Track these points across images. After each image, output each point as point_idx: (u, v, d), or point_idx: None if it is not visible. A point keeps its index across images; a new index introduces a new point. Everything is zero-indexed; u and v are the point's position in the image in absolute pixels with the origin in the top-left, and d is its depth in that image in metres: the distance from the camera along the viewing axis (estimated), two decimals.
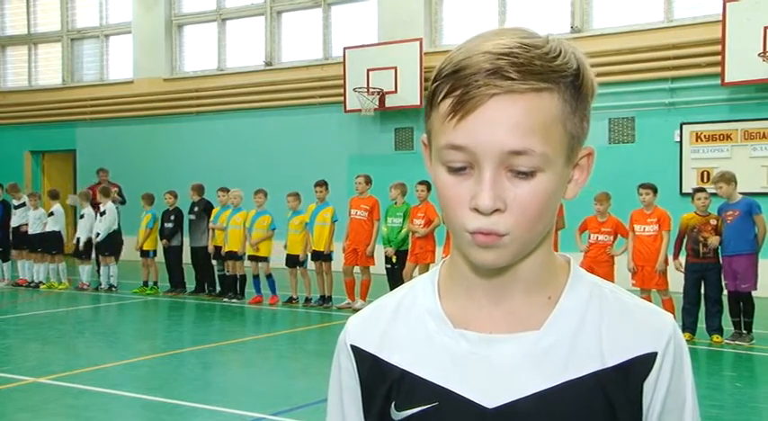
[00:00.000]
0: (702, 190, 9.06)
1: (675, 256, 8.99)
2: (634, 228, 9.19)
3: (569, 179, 1.06)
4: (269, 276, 11.76)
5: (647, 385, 1.06)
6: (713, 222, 8.76)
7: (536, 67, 0.96)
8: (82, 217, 13.52)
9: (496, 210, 0.98)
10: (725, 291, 8.82)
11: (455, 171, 1.00)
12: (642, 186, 9.17)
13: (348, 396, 1.15)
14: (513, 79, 0.95)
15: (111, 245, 13.28)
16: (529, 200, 0.98)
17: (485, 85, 0.95)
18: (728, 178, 8.79)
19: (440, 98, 1.00)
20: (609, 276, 8.70)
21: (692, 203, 9.04)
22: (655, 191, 9.11)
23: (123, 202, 14.82)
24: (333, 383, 1.18)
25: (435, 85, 1.01)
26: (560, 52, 0.99)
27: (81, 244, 13.25)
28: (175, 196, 13.06)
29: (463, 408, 1.05)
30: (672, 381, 1.07)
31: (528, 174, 0.98)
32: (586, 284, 1.11)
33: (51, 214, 13.67)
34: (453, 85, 0.98)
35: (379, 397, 1.10)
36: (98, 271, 13.49)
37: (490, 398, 1.04)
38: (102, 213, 13.27)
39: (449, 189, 1.01)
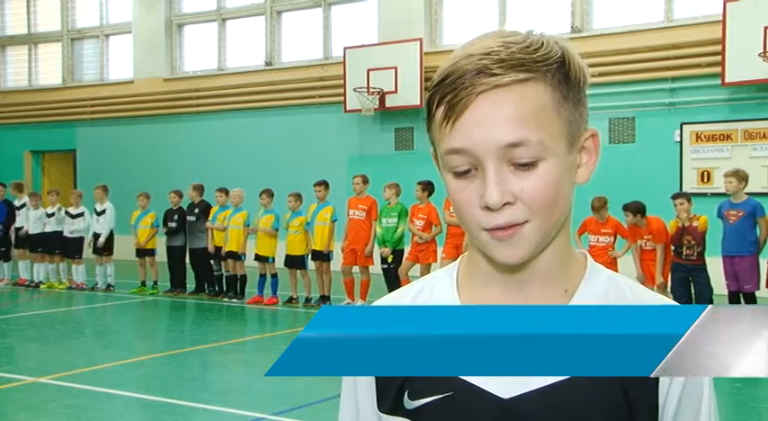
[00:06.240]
0: (679, 196, 9.09)
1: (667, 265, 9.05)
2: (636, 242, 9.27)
3: (578, 164, 1.07)
4: (274, 276, 11.77)
5: (663, 379, 1.06)
6: (695, 224, 8.79)
7: (518, 59, 0.98)
8: (101, 213, 13.41)
9: (506, 204, 0.99)
10: (718, 292, 8.82)
11: (461, 175, 1.01)
12: (624, 207, 9.23)
13: (362, 385, 1.15)
14: (497, 75, 0.97)
15: (111, 244, 13.27)
16: (537, 190, 0.99)
17: (471, 85, 0.98)
18: (742, 176, 8.84)
19: (434, 107, 1.03)
20: None
21: (674, 210, 9.05)
22: (633, 212, 9.12)
23: None
24: None
25: (429, 95, 1.04)
26: (542, 44, 1.01)
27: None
28: (180, 196, 13.06)
29: (478, 398, 1.05)
30: (688, 377, 1.06)
31: (530, 165, 0.99)
32: (603, 278, 1.12)
33: (53, 215, 13.64)
34: (443, 91, 1.00)
35: (393, 386, 1.11)
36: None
37: (505, 389, 1.04)
38: (102, 213, 13.25)
39: (458, 193, 1.02)
